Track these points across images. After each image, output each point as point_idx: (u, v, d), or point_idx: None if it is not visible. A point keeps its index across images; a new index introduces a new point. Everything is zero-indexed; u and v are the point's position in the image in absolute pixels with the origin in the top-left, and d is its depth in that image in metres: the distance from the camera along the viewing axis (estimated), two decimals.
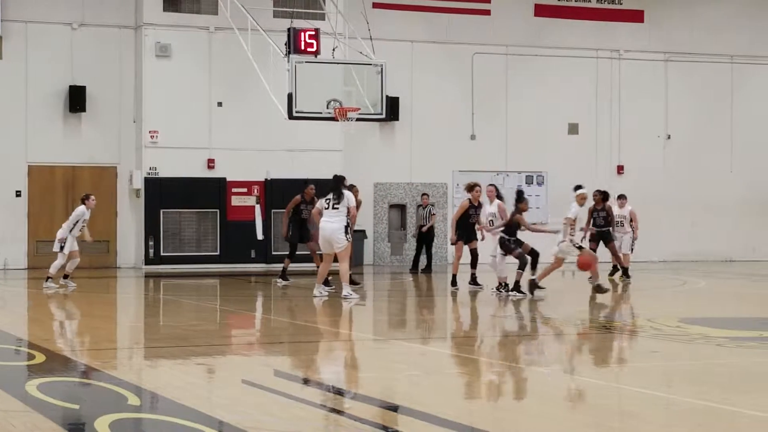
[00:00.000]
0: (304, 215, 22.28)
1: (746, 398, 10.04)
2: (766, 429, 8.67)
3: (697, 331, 15.67)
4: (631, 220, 24.73)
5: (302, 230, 22.20)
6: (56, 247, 21.56)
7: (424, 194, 28.72)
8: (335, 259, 19.28)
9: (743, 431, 8.60)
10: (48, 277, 21.57)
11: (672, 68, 32.87)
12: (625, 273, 24.12)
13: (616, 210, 24.51)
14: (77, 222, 21.51)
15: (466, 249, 21.14)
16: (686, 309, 19.52)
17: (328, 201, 19.18)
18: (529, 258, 19.82)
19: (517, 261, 19.82)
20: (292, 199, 22.30)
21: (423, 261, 28.17)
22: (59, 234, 21.57)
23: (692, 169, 32.43)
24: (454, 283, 21.25)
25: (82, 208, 21.62)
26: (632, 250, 24.76)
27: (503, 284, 20.01)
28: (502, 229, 19.91)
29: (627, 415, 9.27)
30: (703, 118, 33.04)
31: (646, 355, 13.22)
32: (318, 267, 20.40)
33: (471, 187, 20.98)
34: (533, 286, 19.69)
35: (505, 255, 20.10)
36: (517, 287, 19.77)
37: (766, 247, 33.05)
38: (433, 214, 28.18)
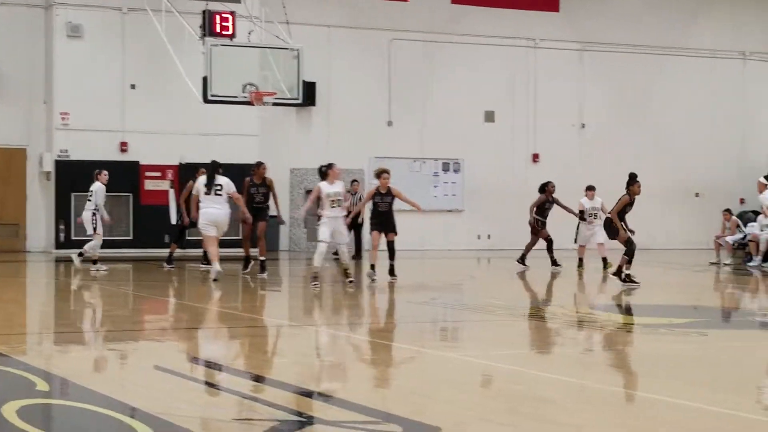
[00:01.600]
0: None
1: (656, 384, 10.14)
2: (676, 414, 8.76)
3: (610, 317, 15.82)
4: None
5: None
6: (89, 230, 22.19)
7: (354, 181, 28.39)
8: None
9: (654, 416, 8.67)
10: (95, 261, 22.19)
11: (587, 58, 33.14)
12: (605, 263, 23.35)
13: (586, 202, 23.69)
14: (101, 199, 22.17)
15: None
16: (600, 296, 19.70)
17: (209, 186, 19.95)
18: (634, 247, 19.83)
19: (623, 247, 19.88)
20: (187, 185, 22.55)
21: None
22: (84, 216, 22.28)
23: (606, 157, 32.73)
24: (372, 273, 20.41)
25: (97, 183, 22.18)
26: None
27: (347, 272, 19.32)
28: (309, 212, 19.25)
29: (540, 401, 9.31)
30: (618, 107, 33.38)
31: (558, 342, 13.31)
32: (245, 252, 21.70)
33: (379, 174, 20.24)
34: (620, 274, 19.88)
35: (612, 239, 20.21)
36: (619, 274, 19.75)
37: (681, 235, 33.47)
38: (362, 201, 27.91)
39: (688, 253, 26.93)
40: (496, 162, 31.92)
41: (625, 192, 19.91)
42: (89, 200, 22.14)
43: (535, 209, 23.98)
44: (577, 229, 23.74)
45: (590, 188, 23.94)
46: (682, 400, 9.33)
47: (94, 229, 22.05)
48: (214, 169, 20.25)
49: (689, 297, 19.21)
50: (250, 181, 21.98)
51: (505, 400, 9.36)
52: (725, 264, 26.32)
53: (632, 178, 20.10)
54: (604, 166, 32.74)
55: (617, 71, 33.31)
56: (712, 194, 33.24)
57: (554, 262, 23.78)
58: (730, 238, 27.27)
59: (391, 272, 20.29)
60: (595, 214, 23.59)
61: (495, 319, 15.27)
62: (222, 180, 20.07)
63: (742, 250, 27.46)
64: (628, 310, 17.26)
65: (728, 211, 28.37)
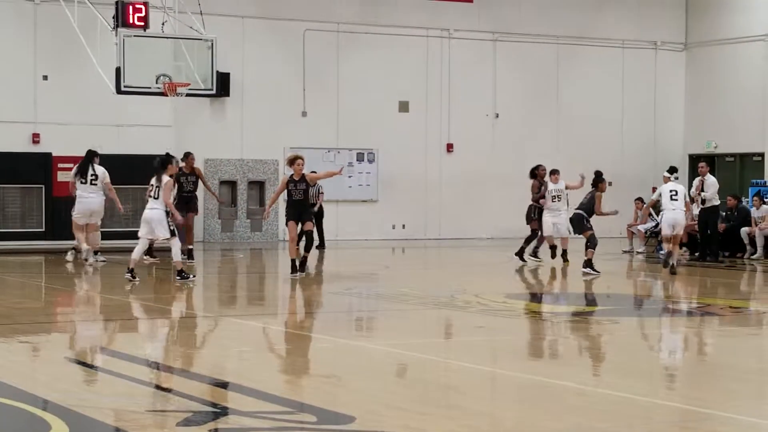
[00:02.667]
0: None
1: (568, 371, 10.31)
2: (587, 400, 8.91)
3: (522, 306, 16.01)
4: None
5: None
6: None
7: (312, 172, 28.37)
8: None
9: (565, 403, 8.81)
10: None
11: (500, 48, 33.36)
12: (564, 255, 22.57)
13: (550, 185, 22.84)
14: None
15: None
16: (513, 285, 19.90)
17: (83, 175, 21.25)
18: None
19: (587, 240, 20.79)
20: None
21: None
22: None
23: (519, 147, 32.97)
24: (294, 269, 19.01)
25: None
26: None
27: (132, 269, 18.19)
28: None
29: (451, 389, 9.42)
30: (531, 97, 33.64)
31: (472, 330, 13.43)
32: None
33: (292, 161, 19.23)
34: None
35: (578, 233, 21.08)
36: (590, 264, 20.38)
37: (594, 224, 33.77)
38: (321, 193, 27.92)
39: (601, 241, 27.08)
40: (411, 152, 32.03)
41: (593, 189, 20.85)
42: None
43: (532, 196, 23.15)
44: (541, 219, 23.00)
45: (554, 172, 23.04)
46: (592, 387, 9.50)
47: None
48: (89, 158, 21.49)
49: (602, 285, 19.48)
50: (180, 171, 22.33)
51: (416, 388, 9.45)
52: (638, 252, 26.69)
53: (599, 177, 21.07)
54: (518, 156, 33.01)
55: (531, 61, 33.56)
56: (624, 183, 33.62)
57: (520, 254, 22.70)
58: (642, 227, 27.63)
59: (302, 266, 19.20)
60: (559, 197, 22.95)
61: (409, 309, 15.37)
62: (98, 170, 21.33)
63: (655, 238, 27.83)
64: (542, 299, 17.47)
65: (640, 199, 28.74)
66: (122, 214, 22.71)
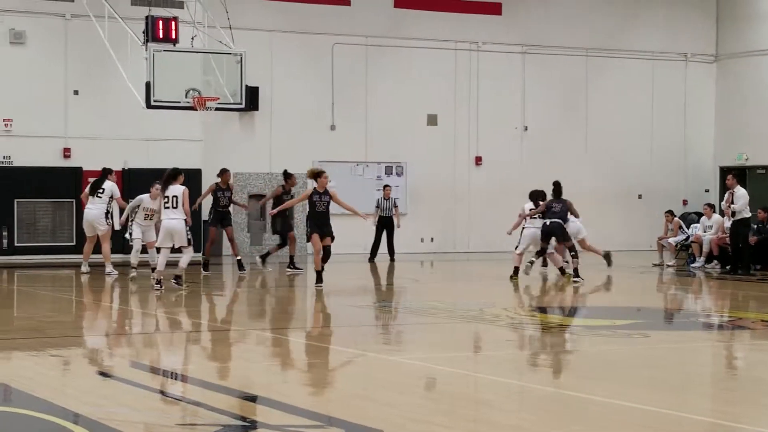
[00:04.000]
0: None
1: (597, 385, 10.28)
2: (615, 414, 8.88)
3: (553, 319, 15.97)
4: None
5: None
6: (127, 235, 22.68)
7: (386, 186, 28.84)
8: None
9: (593, 417, 8.79)
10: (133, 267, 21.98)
11: (529, 61, 33.34)
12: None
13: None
14: (136, 209, 21.99)
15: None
16: (541, 298, 19.86)
17: (92, 189, 22.55)
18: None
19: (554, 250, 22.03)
20: (275, 190, 23.96)
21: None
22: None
23: (548, 159, 32.93)
24: (319, 280, 19.56)
25: (143, 195, 22.03)
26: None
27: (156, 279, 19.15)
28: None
29: (480, 403, 9.41)
30: (559, 109, 33.60)
31: (500, 344, 13.42)
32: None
33: (319, 174, 19.67)
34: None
35: (561, 243, 21.92)
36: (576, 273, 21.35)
37: (617, 236, 33.70)
38: (396, 206, 28.33)
39: (631, 254, 27.07)
40: (439, 165, 32.05)
41: (557, 198, 21.69)
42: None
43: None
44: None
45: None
46: (621, 401, 9.46)
47: (130, 234, 22.35)
48: (104, 174, 22.73)
49: (632, 298, 19.41)
50: (216, 186, 23.54)
51: (445, 402, 9.45)
52: (668, 265, 26.57)
53: (560, 185, 21.89)
54: (547, 169, 32.95)
55: (560, 73, 33.52)
56: (654, 196, 33.55)
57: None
58: (672, 240, 27.54)
59: (318, 278, 19.62)
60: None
61: (437, 322, 15.37)
62: (107, 185, 22.48)
63: (685, 251, 27.71)
64: (570, 312, 17.42)
65: (670, 212, 28.62)
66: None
